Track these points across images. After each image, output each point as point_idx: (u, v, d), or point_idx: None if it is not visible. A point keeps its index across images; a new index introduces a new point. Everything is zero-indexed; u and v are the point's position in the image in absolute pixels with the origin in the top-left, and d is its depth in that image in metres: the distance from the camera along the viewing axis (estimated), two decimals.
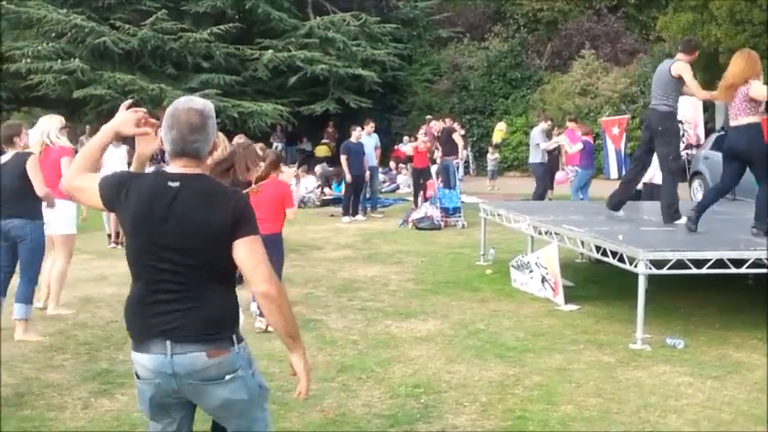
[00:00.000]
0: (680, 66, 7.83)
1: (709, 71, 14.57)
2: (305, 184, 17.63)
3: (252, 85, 23.93)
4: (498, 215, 9.67)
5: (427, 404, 5.04)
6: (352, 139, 15.06)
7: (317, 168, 18.54)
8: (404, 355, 6.13)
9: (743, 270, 6.51)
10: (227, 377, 2.83)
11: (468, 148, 23.40)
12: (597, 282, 8.85)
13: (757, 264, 6.47)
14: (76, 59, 21.59)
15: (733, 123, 7.30)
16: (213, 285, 2.83)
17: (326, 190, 18.19)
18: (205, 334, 2.79)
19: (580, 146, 14.16)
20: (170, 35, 22.52)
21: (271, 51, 23.19)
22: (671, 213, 8.10)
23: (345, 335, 6.72)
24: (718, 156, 7.73)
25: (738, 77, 7.14)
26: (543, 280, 8.08)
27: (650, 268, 6.30)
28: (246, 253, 2.78)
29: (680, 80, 7.85)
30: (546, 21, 27.18)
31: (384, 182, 20.98)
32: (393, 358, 6.03)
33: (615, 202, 8.69)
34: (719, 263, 6.42)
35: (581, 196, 13.86)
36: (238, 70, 23.71)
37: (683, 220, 7.87)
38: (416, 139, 16.82)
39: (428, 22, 28.66)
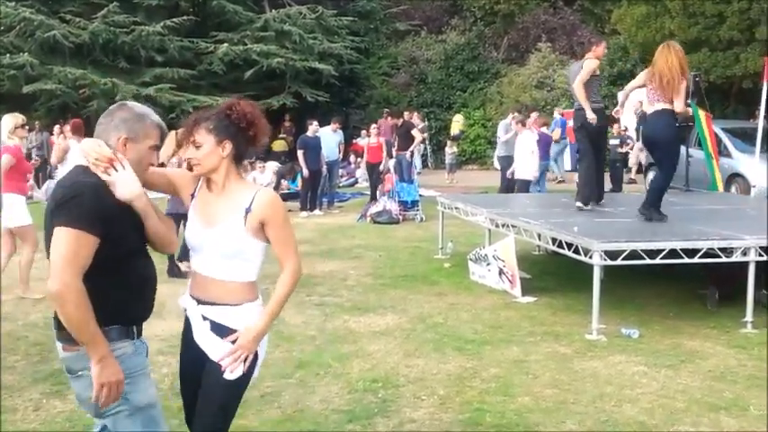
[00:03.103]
0: (589, 63, 8.31)
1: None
2: (261, 180, 17.48)
3: (207, 79, 23.64)
4: (456, 208, 9.69)
5: (385, 398, 5.03)
6: (309, 134, 15.01)
7: (270, 165, 18.39)
8: (362, 349, 6.10)
9: (695, 260, 6.60)
10: (80, 372, 2.81)
11: (427, 142, 23.45)
12: (554, 273, 8.92)
13: (709, 253, 6.57)
14: (25, 54, 21.14)
15: (651, 109, 7.52)
16: None
17: (283, 183, 18.08)
18: (61, 328, 2.78)
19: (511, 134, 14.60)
20: (122, 28, 22.14)
21: (226, 45, 22.93)
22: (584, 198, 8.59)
23: (303, 330, 6.68)
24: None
25: (678, 71, 7.29)
26: (501, 272, 8.11)
27: (605, 259, 6.36)
28: (52, 243, 2.71)
29: (594, 76, 8.24)
30: (503, 14, 27.30)
31: (342, 176, 20.94)
32: (351, 353, 6.00)
33: (585, 197, 8.77)
34: (672, 253, 6.50)
35: (538, 188, 13.99)
36: (193, 64, 23.42)
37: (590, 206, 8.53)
38: (369, 134, 16.82)
39: (385, 15, 28.60)
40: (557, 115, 19.78)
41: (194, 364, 3.08)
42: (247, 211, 2.97)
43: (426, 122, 23.24)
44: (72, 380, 2.90)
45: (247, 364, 2.99)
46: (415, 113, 22.21)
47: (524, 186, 13.04)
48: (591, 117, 8.21)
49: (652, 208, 7.64)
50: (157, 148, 3.00)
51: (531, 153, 13.10)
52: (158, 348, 5.74)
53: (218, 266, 3.01)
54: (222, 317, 3.01)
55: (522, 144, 13.33)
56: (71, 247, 2.65)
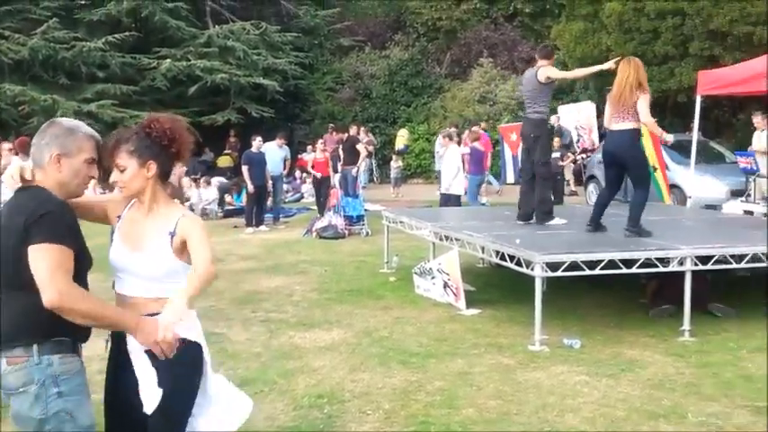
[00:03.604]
0: (546, 69, 8.30)
1: (601, 77, 15.05)
2: (206, 196, 17.35)
3: (150, 95, 23.37)
4: (401, 222, 9.74)
5: (330, 414, 5.03)
6: (254, 149, 14.98)
7: (214, 181, 18.27)
8: (307, 365, 6.09)
9: (633, 270, 6.75)
10: (21, 389, 2.76)
11: (372, 157, 23.54)
12: (498, 286, 9.01)
13: (647, 263, 6.72)
14: None
15: (613, 127, 7.58)
16: (12, 292, 2.78)
17: (228, 199, 17.97)
18: (6, 340, 2.76)
19: (462, 150, 14.80)
20: (62, 44, 21.77)
21: (169, 61, 22.74)
22: (543, 215, 8.53)
23: (248, 347, 6.64)
24: None
25: (635, 81, 7.38)
26: (445, 285, 8.17)
27: (546, 271, 6.47)
28: (32, 262, 2.70)
29: (548, 85, 8.30)
30: (445, 30, 27.59)
31: (288, 191, 20.89)
32: (296, 369, 5.99)
33: (526, 214, 8.83)
34: (611, 263, 6.64)
35: (484, 201, 14.17)
36: (136, 80, 23.14)
37: (557, 220, 8.42)
38: (316, 149, 16.85)
39: (329, 31, 28.67)
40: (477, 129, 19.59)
41: (126, 390, 3.02)
42: (172, 234, 2.98)
43: (371, 137, 23.33)
44: (13, 398, 2.80)
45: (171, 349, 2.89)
46: (362, 129, 22.30)
47: (454, 201, 13.07)
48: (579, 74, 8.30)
49: (639, 225, 7.62)
50: (94, 160, 2.97)
51: (458, 168, 13.21)
52: (99, 369, 5.63)
53: (148, 288, 3.00)
54: None
55: (447, 159, 13.43)
56: (55, 260, 2.68)
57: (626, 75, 7.41)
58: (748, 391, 5.39)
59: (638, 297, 8.05)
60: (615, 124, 7.51)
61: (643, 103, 7.31)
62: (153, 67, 22.92)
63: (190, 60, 23.03)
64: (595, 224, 7.84)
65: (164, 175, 3.04)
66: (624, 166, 7.65)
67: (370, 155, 22.50)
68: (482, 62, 25.70)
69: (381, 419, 4.93)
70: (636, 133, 7.53)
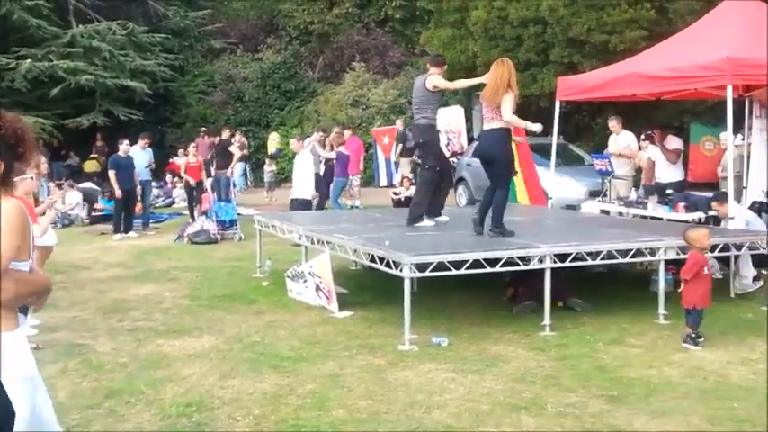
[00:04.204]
0: (433, 78, 8.44)
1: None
2: (69, 200, 16.69)
3: (9, 97, 22.19)
4: (273, 226, 9.72)
5: (199, 422, 4.97)
6: (121, 153, 14.57)
7: (82, 186, 17.64)
8: (176, 373, 5.99)
9: (497, 269, 7.00)
10: None
11: (247, 160, 23.33)
12: (370, 288, 9.12)
13: (509, 262, 7.00)
14: None
15: (485, 127, 7.87)
16: None
17: (97, 206, 17.37)
18: None
19: (328, 154, 15.15)
20: None
21: (29, 61, 21.77)
22: (414, 217, 8.75)
23: (114, 358, 6.46)
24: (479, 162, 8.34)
25: (507, 82, 7.63)
26: (317, 288, 8.22)
27: (414, 271, 6.62)
28: None
29: (435, 93, 8.41)
30: (318, 33, 27.66)
31: (158, 196, 20.41)
32: (165, 378, 5.88)
33: (432, 211, 8.99)
34: (476, 263, 6.87)
35: (351, 204, 14.30)
36: None
37: (425, 222, 8.68)
38: (188, 153, 16.54)
39: (200, 33, 28.18)
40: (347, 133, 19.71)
41: None
42: None
43: (243, 140, 23.10)
44: None
45: None
46: (238, 133, 22.08)
47: (303, 206, 13.07)
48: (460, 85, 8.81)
49: (502, 225, 7.84)
50: None
51: (309, 172, 13.24)
52: None
53: None
54: None
55: (298, 164, 13.44)
56: None
57: (499, 75, 7.67)
58: (603, 382, 5.70)
59: (503, 295, 8.35)
60: (487, 124, 7.80)
61: (506, 102, 7.58)
62: (12, 67, 21.88)
63: (52, 61, 22.14)
64: (483, 224, 8.00)
65: (6, 176, 2.86)
66: (491, 163, 7.93)
67: (245, 158, 22.31)
68: (354, 66, 25.94)
69: (251, 425, 4.92)
70: (505, 133, 7.80)
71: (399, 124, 20.43)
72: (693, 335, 6.53)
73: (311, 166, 13.40)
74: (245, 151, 22.05)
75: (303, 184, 13.17)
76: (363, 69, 25.84)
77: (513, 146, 8.26)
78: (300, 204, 13.09)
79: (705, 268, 6.61)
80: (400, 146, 18.85)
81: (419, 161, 18.60)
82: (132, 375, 5.98)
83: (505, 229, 7.81)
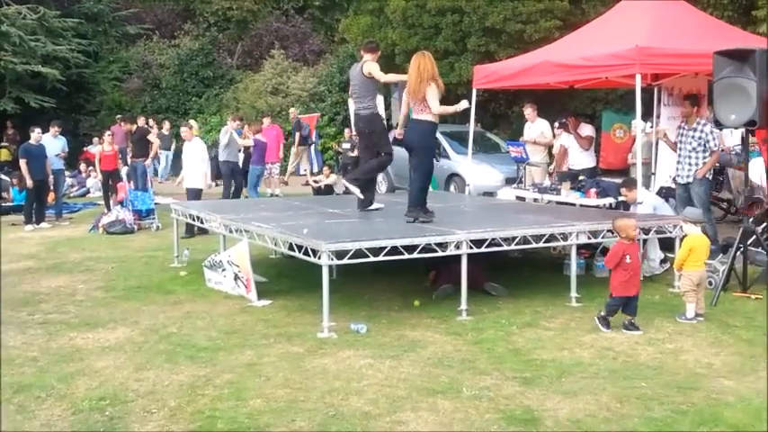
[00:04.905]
0: (369, 65, 8.49)
1: (387, 71, 15.58)
2: None
3: None
4: (190, 215, 9.58)
5: (113, 416, 4.88)
6: (32, 142, 14.12)
7: None
8: (89, 367, 5.86)
9: (415, 255, 7.07)
10: None
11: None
12: (290, 276, 9.09)
13: (427, 249, 7.07)
14: None
15: (413, 117, 7.95)
16: None
17: (7, 195, 16.80)
18: None
19: (245, 141, 15.22)
20: None
21: None
22: (369, 201, 8.90)
23: (24, 352, 6.28)
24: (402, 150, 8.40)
25: (429, 73, 7.72)
26: (236, 277, 8.15)
27: (332, 259, 6.63)
28: None
29: (371, 79, 8.51)
30: (236, 20, 27.32)
31: (73, 186, 19.88)
32: (77, 372, 5.75)
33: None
34: (394, 250, 6.92)
35: (277, 192, 14.22)
36: None
37: (376, 205, 8.84)
38: (103, 140, 16.13)
39: (114, 18, 27.44)
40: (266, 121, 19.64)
41: None
42: None
43: (164, 129, 22.67)
44: None
45: None
46: (166, 122, 21.74)
47: (194, 195, 12.87)
48: (389, 79, 8.79)
49: (418, 208, 7.95)
50: None
51: (201, 161, 13.04)
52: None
53: None
54: None
55: (189, 152, 13.22)
56: None
57: (423, 67, 7.76)
58: (517, 364, 5.83)
59: (423, 281, 8.44)
60: (415, 115, 7.91)
61: (431, 94, 7.70)
62: None
63: None
64: (417, 211, 8.08)
65: None
66: (413, 152, 8.03)
67: (163, 147, 21.88)
68: (274, 54, 25.71)
69: (166, 417, 4.86)
70: (430, 125, 7.90)
71: (293, 113, 20.46)
72: (605, 316, 6.71)
73: (204, 154, 13.20)
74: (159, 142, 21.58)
75: (193, 172, 12.96)
76: (283, 57, 25.66)
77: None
78: (192, 194, 12.90)
79: (628, 257, 6.70)
80: (297, 134, 18.86)
81: (342, 150, 18.69)
82: (43, 370, 5.82)
83: (422, 214, 7.91)
